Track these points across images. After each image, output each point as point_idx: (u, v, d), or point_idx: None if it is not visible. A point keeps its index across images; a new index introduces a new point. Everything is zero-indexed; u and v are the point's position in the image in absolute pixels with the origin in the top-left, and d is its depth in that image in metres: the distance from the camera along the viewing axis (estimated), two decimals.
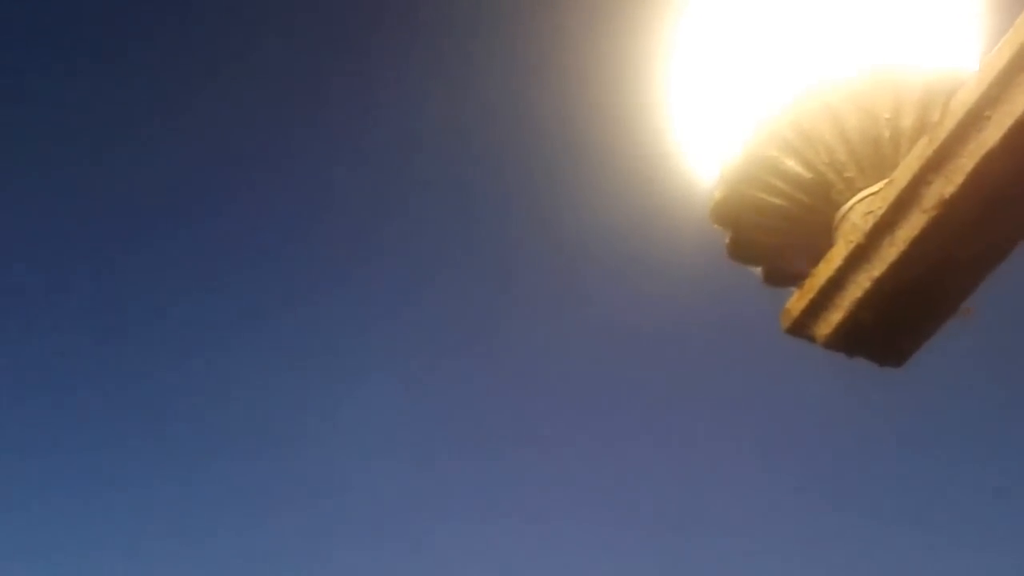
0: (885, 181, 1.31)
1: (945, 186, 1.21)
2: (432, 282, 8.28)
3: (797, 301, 1.39)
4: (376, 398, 8.50)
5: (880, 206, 1.28)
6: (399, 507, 8.50)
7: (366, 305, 8.50)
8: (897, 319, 1.32)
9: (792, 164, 1.41)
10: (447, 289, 8.22)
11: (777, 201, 1.44)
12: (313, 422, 8.62)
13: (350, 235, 8.35)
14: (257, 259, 8.65)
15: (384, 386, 8.53)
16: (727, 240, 1.52)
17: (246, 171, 8.48)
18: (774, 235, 1.48)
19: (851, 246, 1.32)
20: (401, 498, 8.48)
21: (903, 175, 1.26)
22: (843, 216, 1.37)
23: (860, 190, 1.36)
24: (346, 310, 8.50)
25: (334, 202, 8.31)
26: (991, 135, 1.17)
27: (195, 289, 8.65)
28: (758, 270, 1.54)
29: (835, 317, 1.35)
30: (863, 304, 1.31)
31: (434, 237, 8.21)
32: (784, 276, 1.51)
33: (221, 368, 8.62)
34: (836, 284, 1.34)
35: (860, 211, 1.34)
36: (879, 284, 1.29)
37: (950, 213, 1.22)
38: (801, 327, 1.39)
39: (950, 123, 1.20)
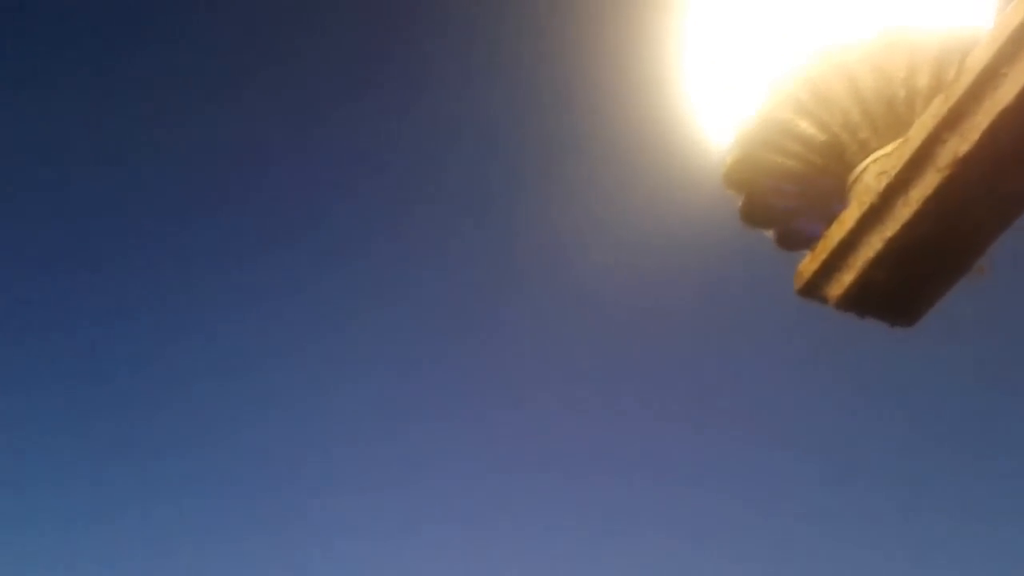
0: (899, 141, 1.30)
1: (960, 144, 1.20)
2: (448, 250, 8.29)
3: (810, 263, 1.39)
4: (388, 379, 8.54)
5: (894, 165, 1.27)
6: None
7: (384, 279, 8.51)
8: (910, 279, 1.32)
9: (806, 126, 1.41)
10: (464, 253, 8.23)
11: (791, 164, 1.44)
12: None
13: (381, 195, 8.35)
14: (263, 248, 8.66)
15: (390, 369, 8.57)
16: (740, 204, 1.52)
17: (257, 165, 8.48)
18: (787, 198, 1.48)
19: (864, 207, 1.31)
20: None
21: (918, 134, 1.25)
22: (856, 177, 1.37)
23: (874, 151, 1.36)
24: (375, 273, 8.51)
25: (370, 173, 8.32)
26: (1007, 92, 1.16)
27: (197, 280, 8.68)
28: (771, 233, 1.53)
29: (847, 278, 1.34)
30: (875, 264, 1.31)
31: (454, 201, 8.21)
32: (797, 239, 1.50)
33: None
34: (849, 245, 1.33)
35: (874, 172, 1.33)
36: (891, 244, 1.28)
37: (965, 172, 1.21)
38: (813, 288, 1.39)
39: (965, 81, 1.19)
